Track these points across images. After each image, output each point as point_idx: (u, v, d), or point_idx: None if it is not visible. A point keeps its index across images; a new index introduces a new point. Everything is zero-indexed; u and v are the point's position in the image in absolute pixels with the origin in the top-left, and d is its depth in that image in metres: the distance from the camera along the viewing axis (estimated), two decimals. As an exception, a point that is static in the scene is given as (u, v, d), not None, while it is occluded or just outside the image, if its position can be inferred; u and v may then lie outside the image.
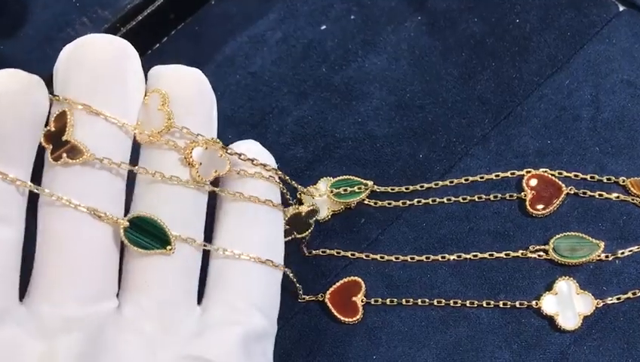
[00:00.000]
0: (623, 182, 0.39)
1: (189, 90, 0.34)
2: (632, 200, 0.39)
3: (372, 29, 0.45)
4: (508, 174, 0.40)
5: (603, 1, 0.44)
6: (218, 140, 0.34)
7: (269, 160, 0.36)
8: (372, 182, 0.40)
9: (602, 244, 0.38)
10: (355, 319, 0.38)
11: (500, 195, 0.40)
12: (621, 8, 0.44)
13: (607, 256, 0.38)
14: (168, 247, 0.32)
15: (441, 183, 0.40)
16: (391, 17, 0.45)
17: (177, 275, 0.33)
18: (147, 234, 0.32)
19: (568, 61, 0.43)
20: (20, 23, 0.45)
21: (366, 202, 0.40)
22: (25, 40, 0.44)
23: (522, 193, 0.40)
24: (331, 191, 0.40)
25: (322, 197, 0.40)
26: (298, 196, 0.40)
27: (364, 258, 0.39)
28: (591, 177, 0.40)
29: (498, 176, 0.40)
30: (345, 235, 0.40)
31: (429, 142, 0.41)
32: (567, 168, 0.40)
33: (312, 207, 0.37)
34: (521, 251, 0.38)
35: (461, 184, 0.40)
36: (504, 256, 0.38)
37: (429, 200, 0.40)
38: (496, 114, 0.42)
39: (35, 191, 0.32)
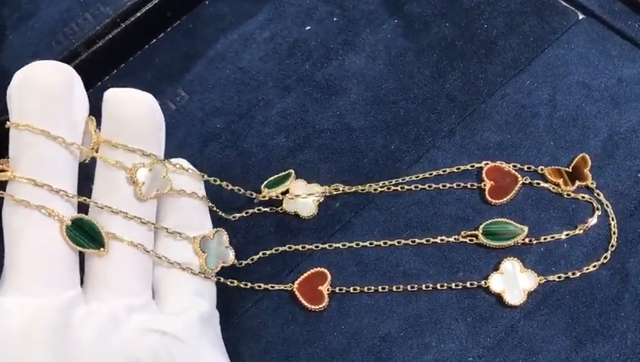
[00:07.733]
0: (542, 170, 0.43)
1: (138, 113, 0.38)
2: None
3: (352, 31, 0.48)
4: (469, 167, 0.43)
5: (564, 9, 0.47)
6: (164, 161, 0.38)
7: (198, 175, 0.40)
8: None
9: (526, 229, 0.41)
10: (320, 307, 0.41)
11: (462, 184, 0.43)
12: (581, 17, 0.47)
13: (530, 241, 0.41)
14: (102, 249, 0.35)
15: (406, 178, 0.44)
16: (370, 20, 0.48)
17: (130, 271, 0.37)
18: (86, 234, 0.35)
19: (530, 64, 0.46)
20: (28, 17, 0.47)
21: (341, 189, 0.44)
22: (32, 33, 0.47)
23: (482, 183, 0.43)
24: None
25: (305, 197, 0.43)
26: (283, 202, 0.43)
27: (341, 246, 0.42)
28: (513, 165, 0.43)
29: (460, 168, 0.43)
30: (321, 217, 0.43)
31: (400, 134, 0.45)
32: (525, 161, 0.43)
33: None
34: (454, 236, 0.41)
35: (428, 174, 0.44)
36: (447, 241, 0.41)
37: (398, 187, 0.43)
38: (462, 110, 0.45)
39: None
